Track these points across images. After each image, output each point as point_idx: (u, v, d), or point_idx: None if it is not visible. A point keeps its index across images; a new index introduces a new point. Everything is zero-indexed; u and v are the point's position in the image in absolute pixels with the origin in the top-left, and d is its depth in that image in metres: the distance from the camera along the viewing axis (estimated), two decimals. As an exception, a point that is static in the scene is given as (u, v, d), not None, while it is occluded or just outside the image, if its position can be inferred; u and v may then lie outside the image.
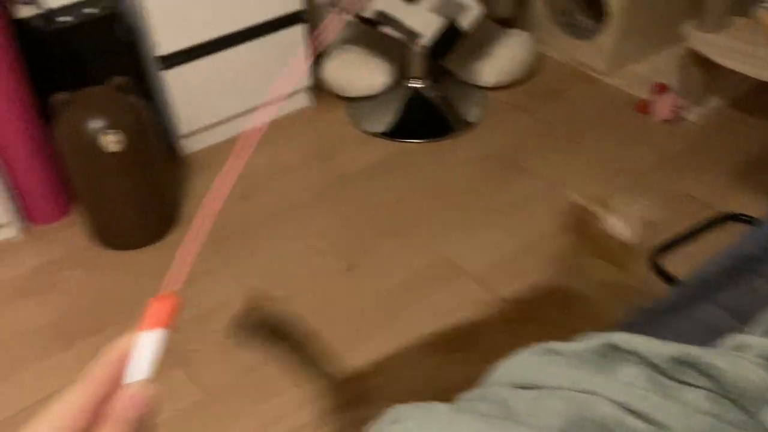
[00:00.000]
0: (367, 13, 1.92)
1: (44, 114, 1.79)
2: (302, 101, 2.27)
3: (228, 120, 2.13)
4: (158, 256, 1.77)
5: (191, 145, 2.10)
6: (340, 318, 1.59)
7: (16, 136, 1.73)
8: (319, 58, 2.30)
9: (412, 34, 1.90)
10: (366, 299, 1.64)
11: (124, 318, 1.61)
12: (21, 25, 1.70)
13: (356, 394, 1.03)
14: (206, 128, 2.10)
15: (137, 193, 1.73)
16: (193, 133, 2.07)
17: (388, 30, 1.91)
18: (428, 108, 2.24)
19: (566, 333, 0.66)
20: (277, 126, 2.22)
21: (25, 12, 1.71)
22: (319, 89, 2.31)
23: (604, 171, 1.98)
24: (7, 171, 1.78)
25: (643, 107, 2.14)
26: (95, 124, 1.58)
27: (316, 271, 1.72)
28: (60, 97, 1.60)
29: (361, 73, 2.19)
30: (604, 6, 2.17)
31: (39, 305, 1.68)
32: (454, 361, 1.06)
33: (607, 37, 2.24)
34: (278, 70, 2.12)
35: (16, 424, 1.40)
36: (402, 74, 2.24)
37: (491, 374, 0.64)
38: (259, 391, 1.45)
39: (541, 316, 1.13)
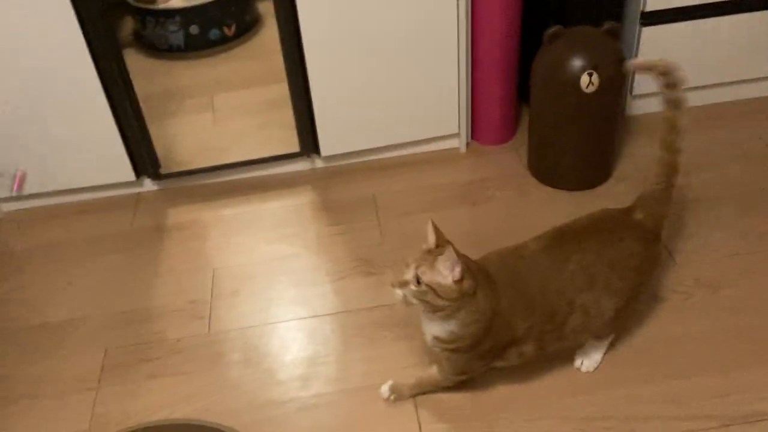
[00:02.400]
0: None
1: (523, 44, 1.90)
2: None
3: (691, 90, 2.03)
4: (583, 203, 1.80)
5: (641, 107, 2.06)
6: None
7: (495, 59, 1.87)
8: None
9: None
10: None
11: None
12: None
13: None
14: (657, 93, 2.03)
15: (587, 138, 1.75)
16: (647, 95, 2.02)
17: None
18: None
19: None
20: (739, 108, 2.06)
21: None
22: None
23: None
24: (473, 87, 1.94)
25: None
26: (580, 62, 1.62)
27: (750, 268, 1.57)
28: (553, 30, 1.67)
29: None
30: None
31: (468, 213, 1.82)
32: None
33: None
34: (754, 50, 1.96)
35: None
36: None
37: None
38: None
39: None
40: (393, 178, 1.96)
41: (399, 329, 1.52)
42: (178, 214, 1.92)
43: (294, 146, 1.96)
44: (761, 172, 1.85)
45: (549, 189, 1.86)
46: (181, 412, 1.40)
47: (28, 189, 1.91)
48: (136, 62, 2.59)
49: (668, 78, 1.27)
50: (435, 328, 1.22)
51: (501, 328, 1.21)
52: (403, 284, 1.16)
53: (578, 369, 1.39)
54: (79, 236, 1.88)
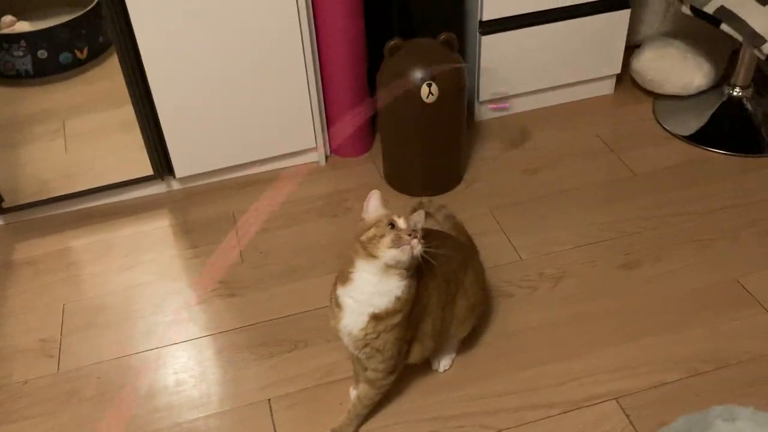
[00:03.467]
0: (708, 8, 1.79)
1: (371, 56, 1.95)
2: (606, 88, 2.21)
3: (527, 94, 2.15)
4: (438, 209, 1.86)
5: (487, 112, 2.15)
6: (612, 309, 1.55)
7: (343, 72, 1.90)
8: (635, 46, 2.21)
9: (754, 38, 1.74)
10: (642, 300, 1.57)
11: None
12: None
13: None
14: (510, 98, 2.13)
15: (434, 146, 1.81)
16: (498, 99, 2.12)
17: (726, 28, 1.77)
18: (743, 120, 2.05)
19: None
20: (575, 108, 2.19)
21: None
22: (625, 79, 2.23)
23: None
24: (326, 102, 1.96)
25: None
26: (419, 73, 1.68)
27: (591, 259, 1.68)
28: (393, 42, 1.72)
29: (678, 71, 2.06)
30: None
31: (328, 225, 1.84)
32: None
33: None
34: (592, 53, 2.09)
35: (282, 325, 1.57)
36: (723, 78, 2.08)
37: None
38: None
39: None
40: (252, 195, 1.95)
41: (261, 348, 1.52)
42: (26, 249, 1.83)
43: (147, 169, 1.92)
44: (598, 166, 1.97)
45: (405, 197, 1.91)
46: (29, 458, 1.34)
47: None
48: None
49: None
50: (381, 299, 1.20)
51: (415, 316, 1.27)
52: (415, 235, 1.17)
53: (436, 370, 1.44)
54: None
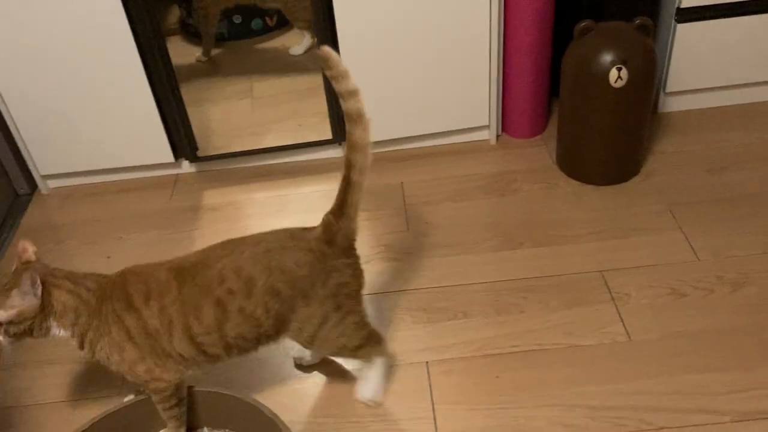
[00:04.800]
0: None
1: (556, 37, 1.92)
2: (808, 90, 2.04)
3: (719, 89, 2.02)
4: (610, 197, 1.80)
5: (672, 104, 2.05)
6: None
7: (527, 52, 1.88)
8: None
9: None
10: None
11: (557, 239, 1.70)
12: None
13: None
14: (695, 91, 2.02)
15: (615, 133, 1.76)
16: (679, 93, 2.02)
17: None
18: None
19: None
20: (761, 109, 2.04)
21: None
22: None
23: None
24: (505, 79, 1.96)
25: None
26: (609, 56, 1.63)
27: (775, 269, 1.57)
28: (583, 24, 1.68)
29: None
30: None
31: (494, 204, 1.85)
32: None
33: None
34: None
35: (442, 294, 1.59)
36: None
37: None
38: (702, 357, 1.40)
39: None
40: (421, 167, 1.99)
41: (420, 313, 1.56)
42: (213, 196, 1.99)
43: (327, 134, 2.02)
44: (794, 172, 1.83)
45: (576, 183, 1.87)
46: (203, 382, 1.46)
47: (72, 167, 2.01)
48: (180, 49, 2.68)
49: (339, 83, 1.18)
50: None
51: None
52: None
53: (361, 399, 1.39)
54: (119, 213, 1.96)
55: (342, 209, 1.25)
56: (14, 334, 1.14)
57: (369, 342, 1.33)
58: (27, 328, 1.14)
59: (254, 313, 1.18)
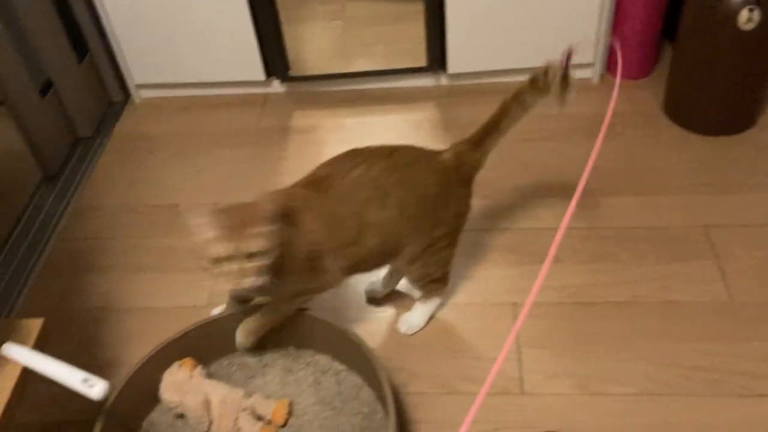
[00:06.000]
0: None
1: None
2: None
3: None
4: (718, 149, 1.69)
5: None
6: None
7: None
8: None
9: None
10: None
11: (656, 190, 1.62)
12: None
13: None
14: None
15: (737, 80, 1.63)
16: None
17: None
18: None
19: None
20: None
21: None
22: None
23: None
24: (616, 16, 1.83)
25: None
26: (741, -5, 1.50)
27: None
28: (715, -43, 1.54)
29: None
30: None
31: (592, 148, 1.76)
32: None
33: None
34: None
35: (534, 236, 1.54)
36: None
37: None
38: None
39: None
40: (519, 103, 1.91)
41: (510, 254, 1.51)
42: (303, 118, 1.96)
43: (421, 61, 1.95)
44: None
45: (683, 131, 1.76)
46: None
47: (165, 78, 2.01)
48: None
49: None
50: None
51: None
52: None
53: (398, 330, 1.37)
54: (209, 129, 1.96)
55: (482, 140, 1.26)
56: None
57: (444, 278, 1.34)
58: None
59: (385, 227, 1.16)
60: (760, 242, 1.48)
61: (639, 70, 1.91)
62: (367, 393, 1.20)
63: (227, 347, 1.25)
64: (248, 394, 1.18)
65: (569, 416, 1.23)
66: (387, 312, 1.43)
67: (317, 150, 1.84)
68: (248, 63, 1.95)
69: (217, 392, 1.15)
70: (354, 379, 1.22)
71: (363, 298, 1.46)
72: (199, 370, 1.20)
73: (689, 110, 1.73)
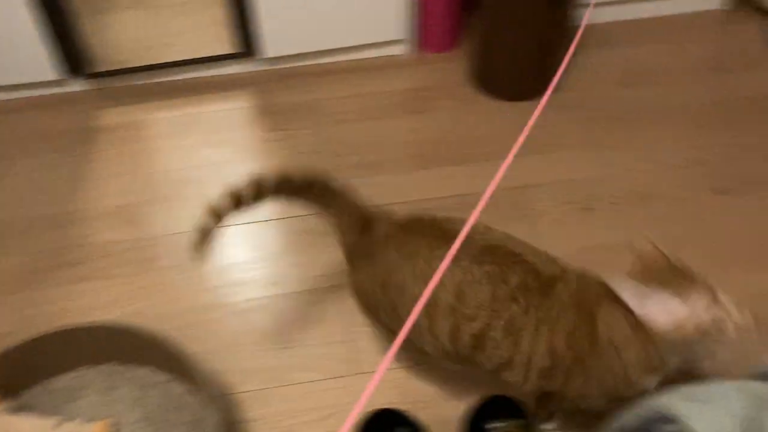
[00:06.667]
0: None
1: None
2: (715, 2, 2.05)
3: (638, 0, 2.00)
4: (521, 113, 1.77)
5: (594, 16, 2.01)
6: (705, 238, 1.49)
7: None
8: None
9: None
10: (735, 227, 1.50)
11: (475, 157, 1.68)
12: None
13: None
14: (613, 3, 1.99)
15: (529, 46, 1.71)
16: (606, 3, 1.98)
17: None
18: None
19: None
20: (679, 21, 2.04)
21: None
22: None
23: None
24: (421, -8, 1.87)
25: None
26: (525, -35, 1.57)
27: (682, 182, 1.60)
28: (500, -70, 1.60)
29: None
30: None
31: (409, 123, 1.80)
32: None
33: None
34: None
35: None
36: None
37: None
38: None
39: None
40: (335, 84, 1.90)
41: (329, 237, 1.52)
42: (112, 116, 1.84)
43: (230, 47, 1.89)
44: (701, 87, 1.85)
45: (494, 100, 1.83)
46: (111, 315, 1.39)
47: (-52, 85, 1.81)
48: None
49: None
50: None
51: None
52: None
53: None
54: (5, 137, 1.80)
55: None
56: None
57: None
58: None
59: None
60: (564, 197, 1.58)
61: (447, 43, 1.97)
62: (193, 401, 1.16)
63: (40, 372, 1.17)
64: (61, 422, 1.10)
65: (404, 389, 1.26)
66: (215, 313, 1.39)
67: (131, 148, 1.74)
68: (43, 61, 1.79)
69: (23, 428, 1.06)
70: (178, 389, 1.17)
71: (184, 302, 1.41)
72: (2, 407, 1.10)
73: (495, 79, 1.81)
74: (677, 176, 1.63)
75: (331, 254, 1.48)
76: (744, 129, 1.73)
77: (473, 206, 1.53)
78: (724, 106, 1.80)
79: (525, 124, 1.77)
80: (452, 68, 1.93)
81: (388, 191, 1.61)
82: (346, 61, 1.96)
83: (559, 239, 1.49)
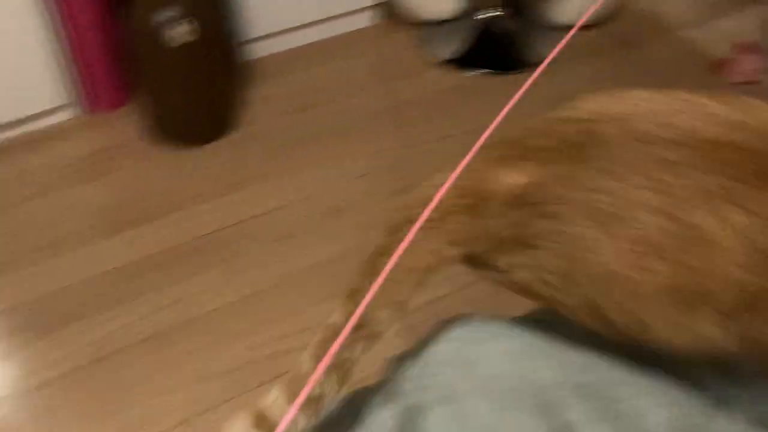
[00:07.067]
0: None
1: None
2: (367, 19, 2.22)
3: (298, 29, 2.09)
4: (206, 157, 1.78)
5: (257, 51, 2.06)
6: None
7: (87, 17, 1.72)
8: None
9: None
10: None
11: (165, 212, 1.65)
12: None
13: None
14: (275, 35, 2.06)
15: (197, 90, 1.72)
16: (261, 38, 2.03)
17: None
18: (499, 40, 2.17)
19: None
20: (339, 42, 2.18)
21: None
22: (385, 10, 2.25)
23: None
24: (72, 52, 1.77)
25: (719, 67, 2.04)
26: (169, 12, 1.56)
27: (366, 190, 1.71)
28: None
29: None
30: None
31: (88, 191, 1.70)
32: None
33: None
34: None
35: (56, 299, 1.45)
36: (476, 2, 2.17)
37: None
38: (300, 295, 1.47)
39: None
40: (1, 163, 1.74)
41: (25, 332, 1.38)
42: None
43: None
44: (367, 98, 1.99)
45: (173, 150, 1.79)
46: None
47: None
48: None
49: None
50: None
51: None
52: None
53: None
54: None
55: None
56: None
57: None
58: None
59: None
60: (262, 231, 1.61)
61: (117, 99, 1.89)
62: None
63: None
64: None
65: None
66: None
67: None
68: None
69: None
70: None
71: None
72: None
73: (170, 128, 1.78)
74: (363, 183, 1.73)
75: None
76: (411, 129, 1.89)
77: (161, 266, 1.51)
78: (393, 111, 1.95)
79: (213, 166, 1.77)
80: (127, 124, 1.86)
81: (75, 269, 1.50)
82: (14, 136, 1.80)
83: (265, 272, 1.50)
